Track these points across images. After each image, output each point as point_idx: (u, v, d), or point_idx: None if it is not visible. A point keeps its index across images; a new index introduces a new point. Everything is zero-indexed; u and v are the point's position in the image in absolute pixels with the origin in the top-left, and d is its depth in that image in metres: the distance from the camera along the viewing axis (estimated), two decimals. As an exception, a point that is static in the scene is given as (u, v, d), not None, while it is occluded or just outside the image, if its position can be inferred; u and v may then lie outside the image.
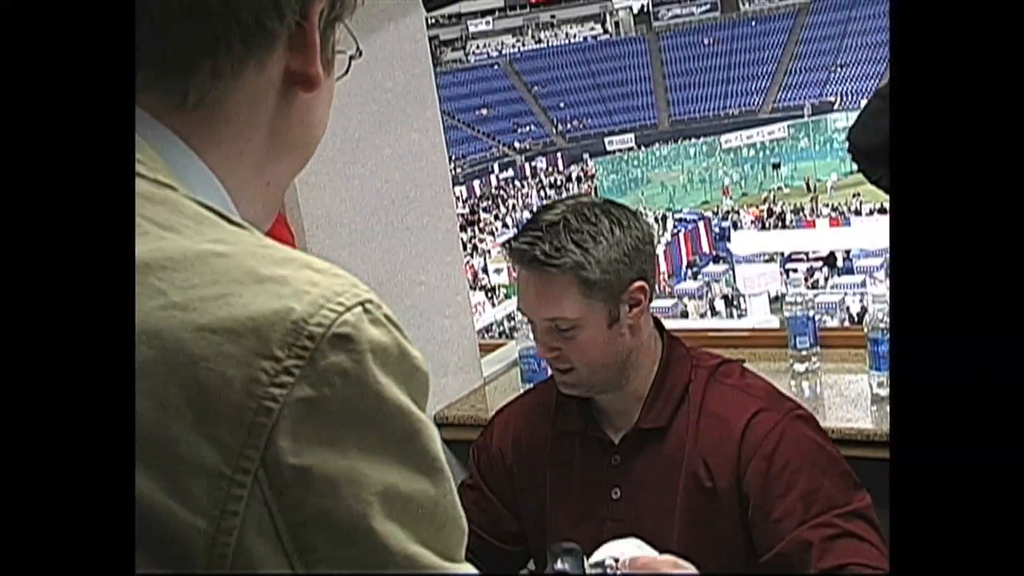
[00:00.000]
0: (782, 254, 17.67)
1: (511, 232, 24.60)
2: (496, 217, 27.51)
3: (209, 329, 0.45)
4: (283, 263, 0.49)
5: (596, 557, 1.28)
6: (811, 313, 2.06)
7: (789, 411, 1.39)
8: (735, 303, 15.94)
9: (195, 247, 0.48)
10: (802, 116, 33.81)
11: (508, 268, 20.46)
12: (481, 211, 28.14)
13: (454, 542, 0.51)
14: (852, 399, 1.81)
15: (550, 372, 1.89)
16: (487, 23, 44.92)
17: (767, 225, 21.95)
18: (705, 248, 20.15)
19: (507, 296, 17.66)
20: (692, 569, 1.24)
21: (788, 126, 32.23)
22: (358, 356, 0.47)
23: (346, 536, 0.46)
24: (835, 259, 17.13)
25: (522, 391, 2.14)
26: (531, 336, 2.17)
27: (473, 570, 0.51)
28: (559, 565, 1.19)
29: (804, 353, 2.01)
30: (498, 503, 1.55)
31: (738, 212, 23.61)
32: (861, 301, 13.56)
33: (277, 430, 0.45)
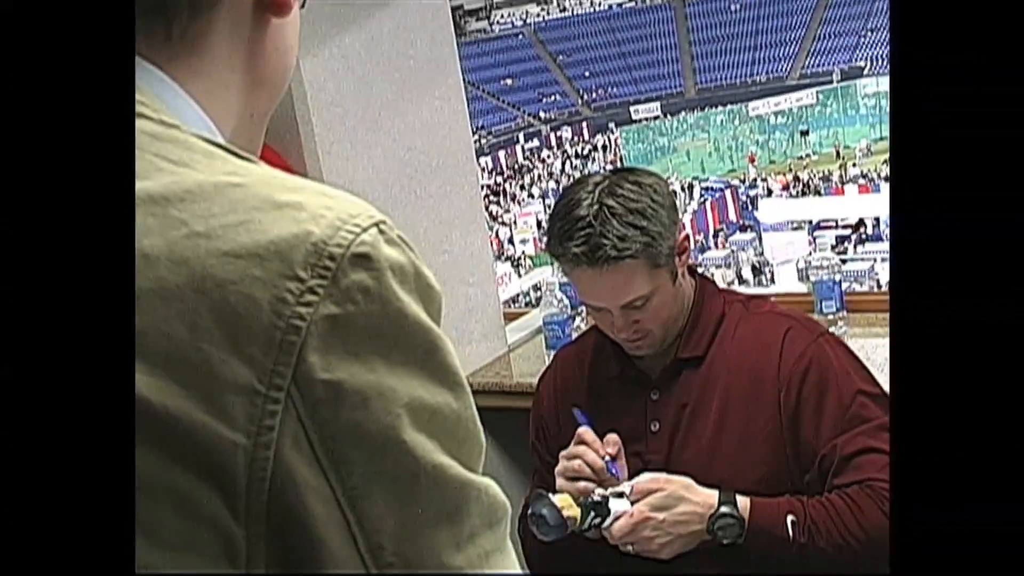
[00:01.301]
0: (810, 222, 17.50)
1: (537, 203, 24.61)
2: (522, 187, 27.45)
3: (234, 254, 0.47)
4: (296, 190, 0.51)
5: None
6: (837, 278, 2.05)
7: (821, 333, 1.46)
8: (763, 272, 15.85)
9: (210, 179, 0.49)
10: (831, 82, 33.38)
11: (534, 238, 20.46)
12: (506, 182, 28.08)
13: (475, 455, 0.53)
14: (879, 364, 1.80)
15: (574, 337, 1.90)
16: (511, -8, 44.58)
17: (795, 193, 21.74)
18: (732, 217, 19.99)
19: (534, 266, 17.65)
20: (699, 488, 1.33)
21: (817, 92, 31.81)
22: (377, 274, 0.49)
23: (378, 448, 0.48)
24: (864, 226, 16.96)
25: (551, 357, 2.15)
26: (555, 303, 2.19)
27: (494, 484, 0.53)
28: (536, 511, 1.27)
29: (830, 318, 2.01)
30: (555, 464, 1.57)
31: (765, 180, 23.41)
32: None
33: (306, 347, 0.47)
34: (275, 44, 0.60)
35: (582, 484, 1.37)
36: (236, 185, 0.49)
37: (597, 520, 1.33)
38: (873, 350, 1.93)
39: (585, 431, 1.41)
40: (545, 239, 1.48)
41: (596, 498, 1.34)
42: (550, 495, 1.34)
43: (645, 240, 1.36)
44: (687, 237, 1.45)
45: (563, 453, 1.42)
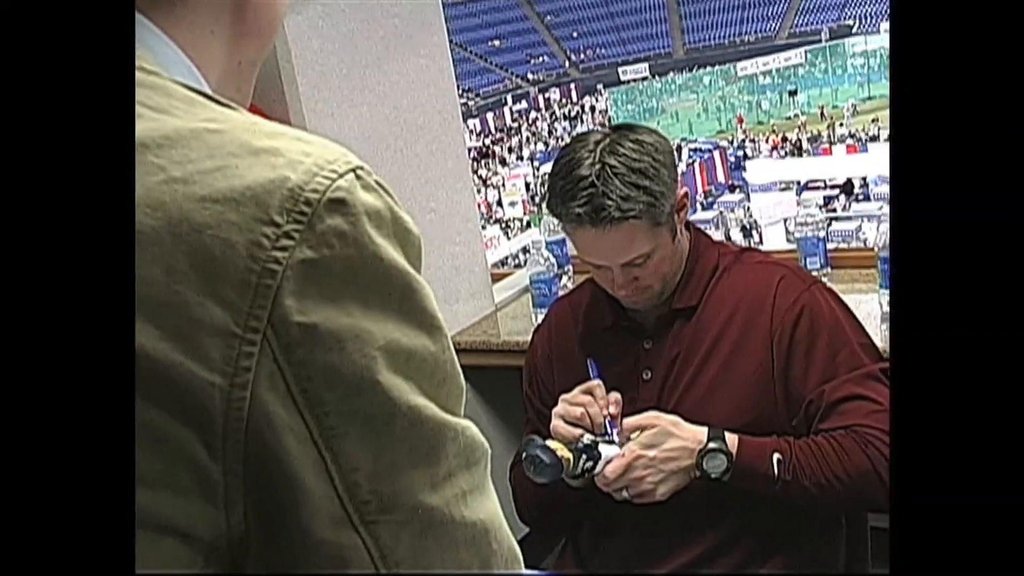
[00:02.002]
0: (798, 182, 17.51)
1: (525, 165, 24.52)
2: (510, 150, 27.34)
3: (210, 199, 0.47)
4: (274, 136, 0.51)
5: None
6: (822, 234, 2.06)
7: (814, 282, 1.47)
8: (751, 233, 15.87)
9: (188, 125, 0.49)
10: (819, 41, 33.21)
11: (523, 201, 20.39)
12: (494, 144, 27.95)
13: (454, 397, 0.53)
14: (862, 318, 1.81)
15: (561, 295, 1.91)
16: (498, -49, 44.05)
17: (784, 153, 21.73)
18: (720, 178, 19.99)
19: (522, 228, 17.64)
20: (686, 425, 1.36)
21: (805, 51, 31.66)
22: (353, 219, 0.49)
23: (353, 389, 0.48)
24: (852, 186, 16.98)
25: (538, 315, 2.16)
26: (541, 261, 2.20)
27: (472, 425, 0.53)
28: (530, 452, 1.30)
29: (815, 273, 2.02)
30: (547, 412, 1.59)
31: (754, 141, 23.38)
32: (878, 228, 13.47)
33: (282, 291, 0.47)
34: None
35: (577, 431, 1.39)
36: (214, 131, 0.49)
37: (589, 464, 1.35)
38: (856, 306, 1.94)
39: (597, 384, 1.43)
40: (545, 198, 1.48)
41: (587, 441, 1.36)
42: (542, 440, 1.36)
43: (647, 200, 1.35)
44: (686, 194, 1.45)
45: (566, 396, 1.43)
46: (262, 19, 0.61)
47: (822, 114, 24.86)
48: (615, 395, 1.42)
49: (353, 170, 0.50)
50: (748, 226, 16.21)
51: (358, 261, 0.49)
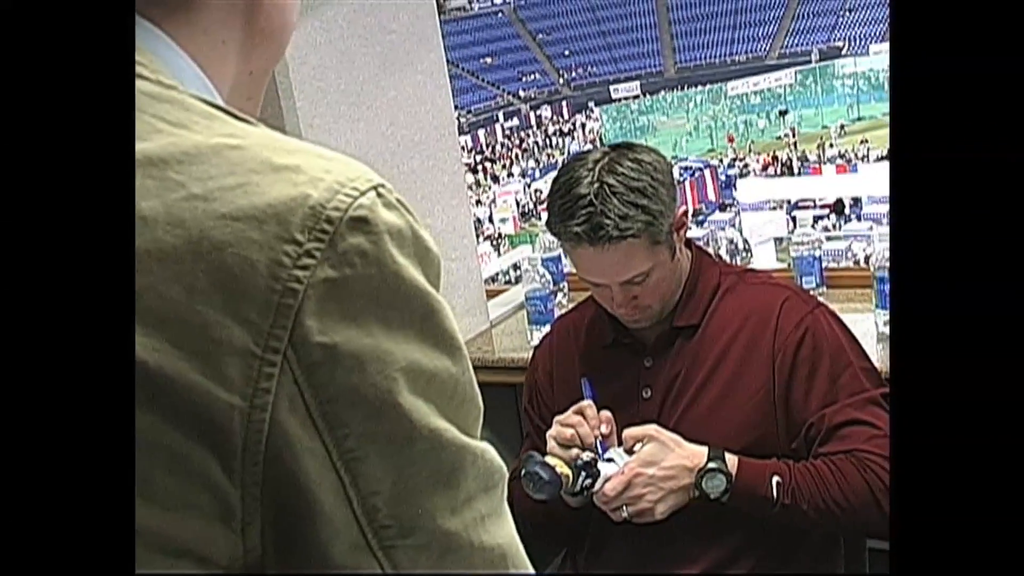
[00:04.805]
0: (789, 201, 17.56)
1: (516, 182, 24.54)
2: (502, 167, 27.38)
3: (231, 217, 0.46)
4: (294, 153, 0.50)
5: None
6: (818, 253, 2.06)
7: (817, 304, 1.48)
8: (740, 252, 15.89)
9: (208, 141, 0.49)
10: (810, 62, 33.42)
11: (514, 217, 20.41)
12: (485, 161, 27.99)
13: (472, 419, 0.53)
14: (858, 337, 1.82)
15: (557, 314, 1.91)
16: (491, -31, 44.25)
17: (774, 173, 21.81)
18: (711, 196, 20.05)
19: (512, 245, 17.65)
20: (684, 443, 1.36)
21: (795, 72, 31.85)
22: (375, 238, 0.48)
23: (373, 411, 0.48)
24: (842, 206, 17.05)
25: (533, 332, 2.16)
26: (537, 278, 2.19)
27: (491, 448, 0.53)
28: (529, 469, 1.30)
29: (811, 293, 2.02)
30: (546, 429, 1.59)
31: (744, 160, 23.48)
32: (866, 248, 13.52)
33: (303, 310, 0.46)
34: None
35: (574, 452, 1.39)
36: (234, 147, 0.49)
37: (588, 481, 1.35)
38: (852, 324, 1.94)
39: (588, 405, 1.42)
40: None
41: (586, 458, 1.36)
42: (542, 456, 1.36)
43: (646, 219, 1.36)
44: (685, 212, 1.46)
45: (559, 418, 1.43)
46: (274, 26, 0.60)
47: (793, 133, 24.95)
48: (606, 414, 1.41)
49: (375, 188, 0.50)
50: (738, 245, 16.23)
51: (379, 281, 0.48)
